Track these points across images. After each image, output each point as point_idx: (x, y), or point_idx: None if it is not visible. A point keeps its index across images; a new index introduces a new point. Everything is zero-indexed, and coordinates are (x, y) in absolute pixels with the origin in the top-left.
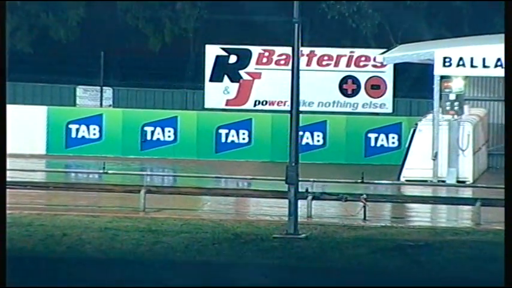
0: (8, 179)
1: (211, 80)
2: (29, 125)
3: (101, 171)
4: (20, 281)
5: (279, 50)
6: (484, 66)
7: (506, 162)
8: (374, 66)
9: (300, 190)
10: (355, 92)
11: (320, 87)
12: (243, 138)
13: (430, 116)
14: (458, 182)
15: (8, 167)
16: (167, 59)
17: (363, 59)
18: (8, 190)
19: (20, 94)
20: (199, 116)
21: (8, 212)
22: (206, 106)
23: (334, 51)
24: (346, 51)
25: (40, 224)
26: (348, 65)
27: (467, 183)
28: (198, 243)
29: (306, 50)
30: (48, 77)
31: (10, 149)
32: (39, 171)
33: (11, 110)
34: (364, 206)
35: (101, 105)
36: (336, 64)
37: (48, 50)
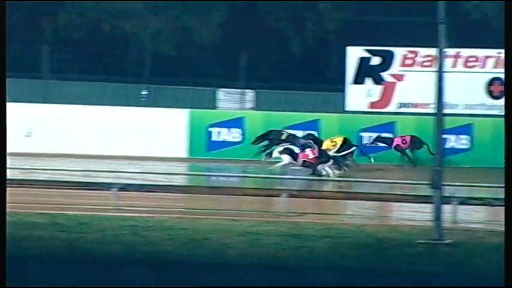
0: (149, 183)
1: (353, 83)
2: (170, 128)
3: (241, 174)
4: (160, 284)
5: (423, 51)
6: None
7: (506, 162)
8: None
9: (444, 194)
10: (502, 94)
11: (466, 89)
12: None
13: None
14: None
15: (149, 170)
16: (309, 60)
17: None
18: (149, 194)
19: (161, 97)
20: (341, 119)
21: (149, 215)
22: (347, 109)
23: (481, 52)
24: (493, 52)
25: (181, 228)
26: (496, 66)
27: None
28: (341, 248)
29: (451, 51)
30: (190, 80)
31: (151, 152)
32: (180, 175)
33: (153, 113)
34: None
35: (242, 108)
36: (483, 65)
37: (191, 52)
